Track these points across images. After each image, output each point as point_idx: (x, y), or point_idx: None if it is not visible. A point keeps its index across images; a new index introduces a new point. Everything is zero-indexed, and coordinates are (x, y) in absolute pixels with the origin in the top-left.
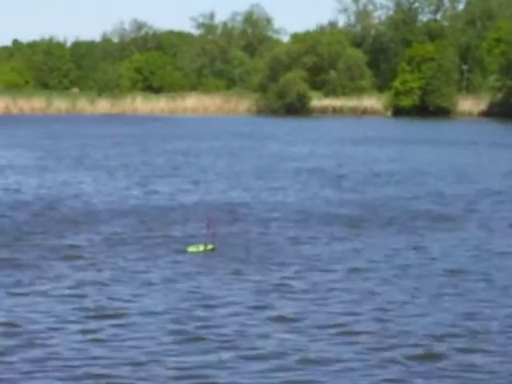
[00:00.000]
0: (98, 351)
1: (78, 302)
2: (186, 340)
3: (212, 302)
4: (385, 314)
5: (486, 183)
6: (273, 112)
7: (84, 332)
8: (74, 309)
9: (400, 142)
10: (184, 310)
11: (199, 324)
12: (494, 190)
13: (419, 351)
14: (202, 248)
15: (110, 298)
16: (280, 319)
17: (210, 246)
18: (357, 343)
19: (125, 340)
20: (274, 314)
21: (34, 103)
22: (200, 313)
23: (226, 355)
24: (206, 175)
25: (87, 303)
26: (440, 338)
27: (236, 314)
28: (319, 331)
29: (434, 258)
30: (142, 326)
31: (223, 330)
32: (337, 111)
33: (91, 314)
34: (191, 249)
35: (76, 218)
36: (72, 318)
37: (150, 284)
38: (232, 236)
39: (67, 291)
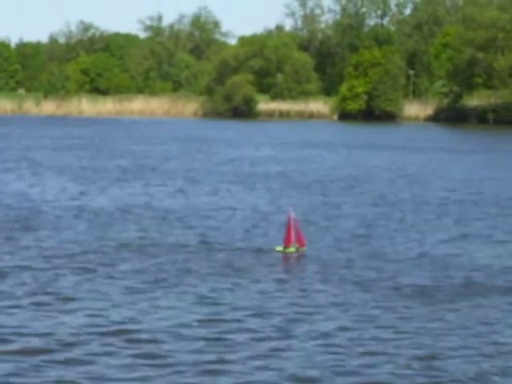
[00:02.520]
0: None
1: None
2: None
3: None
4: None
5: (430, 190)
6: (219, 115)
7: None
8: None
9: (347, 146)
10: None
11: None
12: (447, 196)
13: None
14: (293, 249)
15: None
16: None
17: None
18: None
19: None
20: None
21: None
22: None
23: None
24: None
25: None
26: None
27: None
28: None
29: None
30: None
31: None
32: (283, 115)
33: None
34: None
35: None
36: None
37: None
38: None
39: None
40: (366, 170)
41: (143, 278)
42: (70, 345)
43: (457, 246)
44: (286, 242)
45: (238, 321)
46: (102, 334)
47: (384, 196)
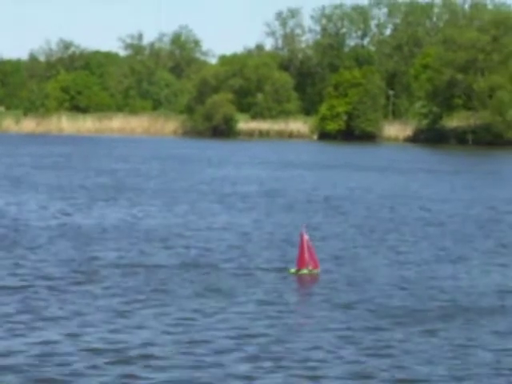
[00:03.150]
0: None
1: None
2: None
3: None
4: None
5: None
6: (199, 134)
7: None
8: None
9: (328, 166)
10: None
11: None
12: (421, 216)
13: None
14: (305, 271)
15: None
16: None
17: (315, 271)
18: None
19: None
20: None
21: None
22: None
23: None
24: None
25: None
26: None
27: None
28: None
29: None
30: None
31: None
32: (263, 134)
33: None
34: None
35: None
36: None
37: None
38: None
39: None
40: (346, 190)
41: (120, 299)
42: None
43: (435, 267)
44: (300, 264)
45: (211, 342)
46: (76, 354)
47: (365, 217)
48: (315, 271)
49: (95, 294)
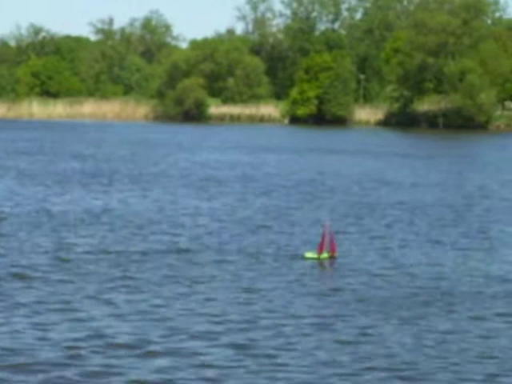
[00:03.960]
0: None
1: None
2: None
3: None
4: None
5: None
6: (170, 119)
7: None
8: None
9: (301, 150)
10: None
11: None
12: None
13: None
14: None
15: None
16: None
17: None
18: None
19: None
20: None
21: None
22: None
23: None
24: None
25: None
26: None
27: None
28: None
29: None
30: None
31: None
32: (234, 118)
33: None
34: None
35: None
36: None
37: None
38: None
39: None
40: (319, 174)
41: (94, 286)
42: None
43: (409, 252)
44: (319, 250)
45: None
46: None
47: (340, 201)
48: (334, 255)
49: (65, 281)
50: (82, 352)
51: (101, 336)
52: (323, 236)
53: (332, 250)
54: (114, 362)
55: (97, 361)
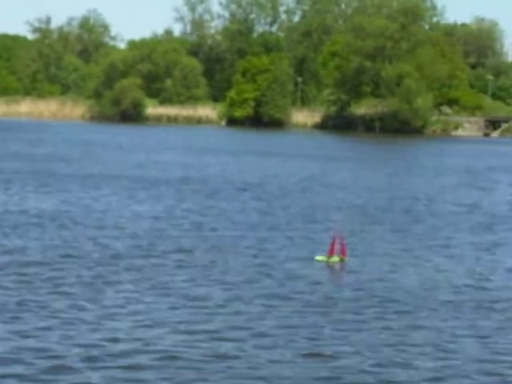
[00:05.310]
0: None
1: None
2: None
3: None
4: None
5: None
6: (107, 119)
7: None
8: None
9: (238, 152)
10: None
11: None
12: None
13: None
14: (337, 259)
15: None
16: None
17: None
18: None
19: None
20: None
21: None
22: None
23: None
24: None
25: None
26: None
27: None
28: None
29: None
30: None
31: None
32: (171, 119)
33: None
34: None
35: None
36: None
37: None
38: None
39: None
40: (257, 177)
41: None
42: None
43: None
44: (330, 253)
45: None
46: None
47: (282, 206)
48: (345, 259)
49: (16, 288)
50: None
51: None
52: (333, 241)
53: (342, 253)
54: None
55: None
